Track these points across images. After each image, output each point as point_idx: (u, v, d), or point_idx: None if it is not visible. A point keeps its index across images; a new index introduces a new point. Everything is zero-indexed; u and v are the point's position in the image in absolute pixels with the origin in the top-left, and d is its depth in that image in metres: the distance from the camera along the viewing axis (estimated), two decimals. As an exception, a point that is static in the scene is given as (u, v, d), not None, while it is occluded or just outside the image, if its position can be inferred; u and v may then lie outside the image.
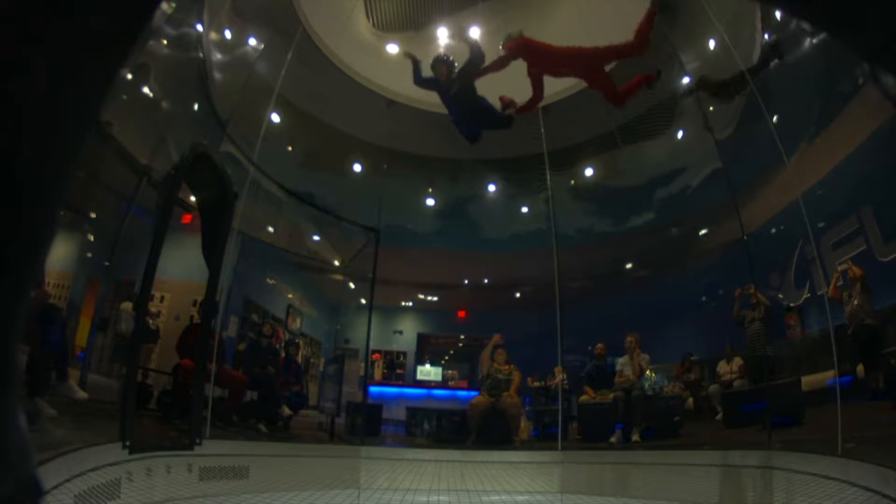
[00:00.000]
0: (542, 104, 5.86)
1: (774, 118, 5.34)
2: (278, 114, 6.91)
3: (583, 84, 6.11)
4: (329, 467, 5.41)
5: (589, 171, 8.70)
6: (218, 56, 6.14)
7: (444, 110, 4.94)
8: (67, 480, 2.71)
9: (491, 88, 4.80)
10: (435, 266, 9.78)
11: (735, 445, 5.02)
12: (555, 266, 7.11)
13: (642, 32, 4.44)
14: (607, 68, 4.84)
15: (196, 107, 5.77)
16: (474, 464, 5.71)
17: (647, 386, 6.38)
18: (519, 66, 4.70)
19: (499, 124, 4.84)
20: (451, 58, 4.76)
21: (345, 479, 5.36)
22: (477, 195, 9.19)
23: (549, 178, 7.85)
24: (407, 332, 10.41)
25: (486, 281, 10.22)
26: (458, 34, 6.72)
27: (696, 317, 8.20)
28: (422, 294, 10.61)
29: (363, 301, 8.58)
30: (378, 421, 7.48)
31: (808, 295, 5.82)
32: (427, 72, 4.82)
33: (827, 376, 4.75)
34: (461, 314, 10.39)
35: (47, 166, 0.42)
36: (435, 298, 10.66)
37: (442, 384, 9.53)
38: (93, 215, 4.63)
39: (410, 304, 10.59)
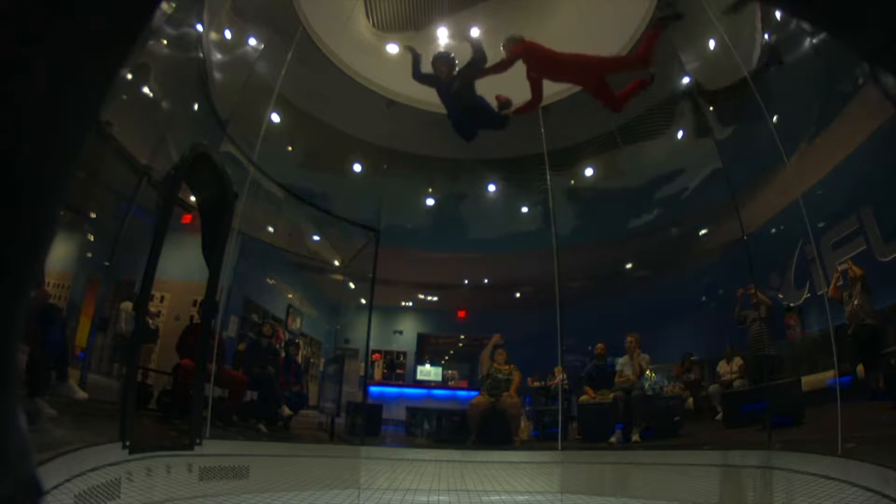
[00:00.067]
0: (544, 103, 5.87)
1: (774, 118, 5.34)
2: (278, 114, 6.91)
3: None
4: (329, 467, 5.41)
5: (589, 171, 8.70)
6: (218, 56, 6.14)
7: (444, 110, 4.93)
8: (67, 480, 2.71)
9: (489, 87, 4.79)
10: (435, 266, 9.79)
11: (735, 445, 5.02)
12: (555, 266, 7.11)
13: (647, 47, 4.43)
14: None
15: (196, 107, 5.77)
16: (474, 464, 5.71)
17: (647, 386, 6.38)
18: (518, 67, 4.69)
19: (495, 124, 4.82)
20: (452, 55, 4.75)
21: (345, 479, 5.36)
22: (477, 195, 9.19)
23: (549, 178, 7.85)
24: (407, 332, 10.42)
25: (486, 281, 10.22)
26: (459, 34, 6.73)
27: (696, 317, 8.21)
28: (422, 294, 10.62)
29: (363, 301, 8.58)
30: (378, 421, 7.48)
31: (808, 295, 5.82)
32: (427, 68, 4.80)
33: (827, 376, 4.75)
34: (461, 314, 10.39)
35: (47, 166, 0.42)
36: (435, 298, 10.66)
37: (442, 384, 9.54)
38: (93, 215, 4.63)
39: (410, 304, 10.60)
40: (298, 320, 8.54)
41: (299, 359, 7.41)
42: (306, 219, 8.10)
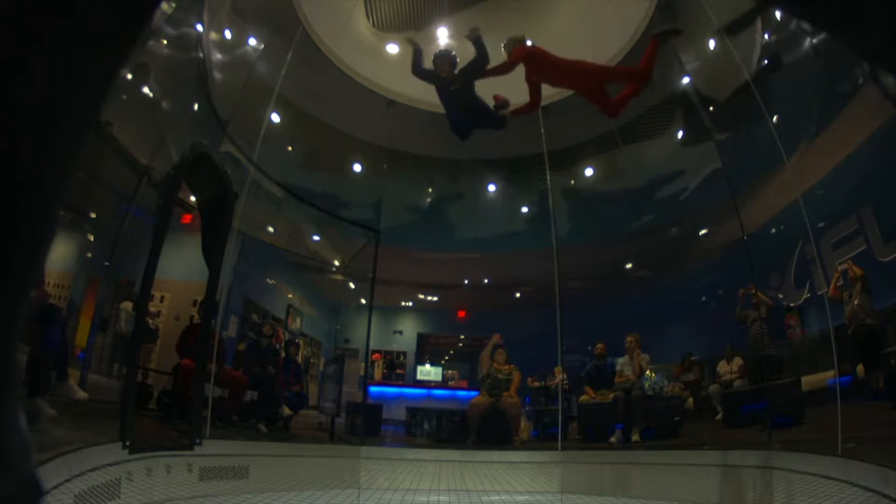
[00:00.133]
0: (543, 103, 5.87)
1: (774, 118, 5.34)
2: (278, 114, 6.91)
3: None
4: (329, 467, 5.40)
5: (589, 171, 8.70)
6: (218, 56, 6.14)
7: (443, 110, 4.93)
8: (67, 480, 2.70)
9: (488, 86, 4.79)
10: (435, 266, 9.79)
11: (735, 445, 5.01)
12: (555, 266, 7.11)
13: (648, 60, 4.44)
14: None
15: (196, 107, 5.77)
16: (474, 464, 5.71)
17: (647, 386, 6.38)
18: (518, 68, 4.69)
19: (493, 124, 4.82)
20: (454, 53, 4.74)
21: (345, 479, 5.36)
22: (477, 195, 9.19)
23: (549, 178, 7.85)
24: (407, 332, 10.42)
25: (486, 281, 10.23)
26: (459, 34, 6.72)
27: (696, 317, 8.21)
28: (422, 294, 10.62)
29: (363, 301, 8.58)
30: (378, 421, 7.49)
31: (808, 295, 5.82)
32: (428, 64, 4.79)
33: (827, 376, 4.75)
34: (461, 314, 10.40)
35: (47, 166, 0.42)
36: (435, 298, 10.67)
37: (442, 384, 9.54)
38: (93, 215, 4.63)
39: (410, 304, 10.60)
40: (298, 320, 8.54)
41: (299, 359, 7.41)
42: (306, 219, 8.10)
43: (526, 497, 5.29)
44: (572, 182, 8.73)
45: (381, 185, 8.42)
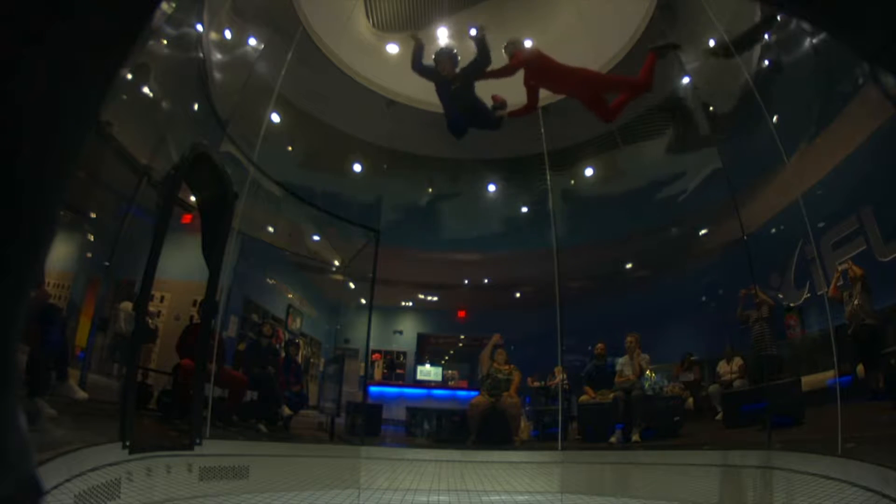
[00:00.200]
0: (542, 104, 5.87)
1: (774, 118, 5.34)
2: (278, 114, 6.91)
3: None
4: (329, 467, 5.41)
5: (589, 171, 8.70)
6: (218, 56, 6.14)
7: (443, 110, 4.92)
8: (67, 480, 2.71)
9: (485, 86, 4.79)
10: (435, 266, 9.79)
11: (735, 445, 5.01)
12: (555, 266, 7.11)
13: (648, 73, 4.46)
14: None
15: (196, 107, 5.77)
16: (474, 464, 5.71)
17: (647, 386, 6.38)
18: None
19: (488, 125, 4.82)
20: (455, 51, 4.73)
21: (345, 479, 5.36)
22: (477, 195, 9.19)
23: (549, 178, 7.85)
24: (407, 332, 10.42)
25: (486, 281, 10.22)
26: (459, 34, 6.72)
27: (696, 317, 8.21)
28: (422, 294, 10.62)
29: (363, 301, 8.58)
30: (378, 421, 7.48)
31: (808, 295, 5.82)
32: (428, 60, 4.78)
33: (827, 376, 4.75)
34: (461, 314, 10.40)
35: (47, 166, 0.42)
36: (435, 298, 10.67)
37: (442, 384, 9.53)
38: (93, 215, 4.63)
39: (410, 304, 10.60)
40: (298, 320, 8.54)
41: (299, 359, 7.41)
42: (306, 219, 8.10)
43: (526, 497, 5.29)
44: (572, 182, 8.73)
45: (381, 185, 8.41)
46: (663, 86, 6.62)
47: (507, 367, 6.81)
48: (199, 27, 5.45)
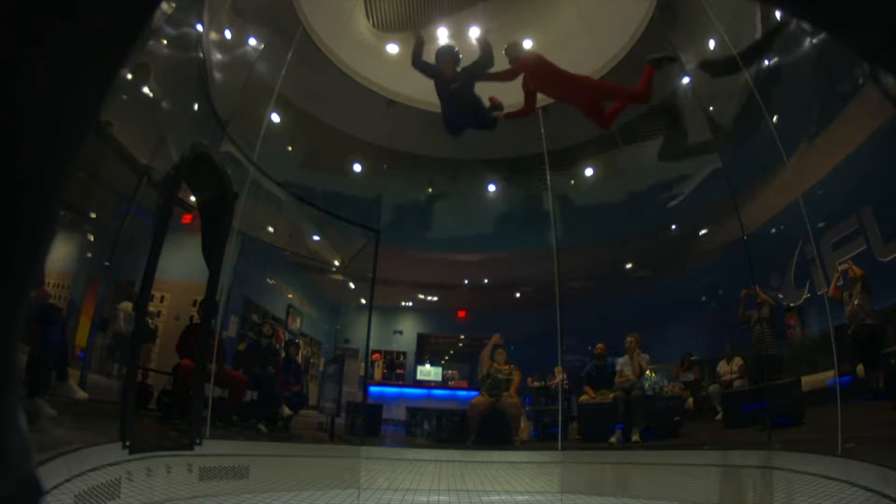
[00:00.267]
0: (542, 104, 5.88)
1: (774, 118, 5.34)
2: (278, 114, 6.91)
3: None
4: (329, 467, 5.41)
5: (589, 171, 8.70)
6: (218, 56, 6.14)
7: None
8: (67, 480, 2.71)
9: (482, 86, 4.79)
10: (435, 266, 9.79)
11: (735, 445, 5.02)
12: (555, 266, 7.11)
13: (647, 83, 4.48)
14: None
15: (196, 107, 5.77)
16: (474, 464, 5.71)
17: (647, 386, 6.38)
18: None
19: (485, 125, 4.84)
20: (456, 49, 4.73)
21: (345, 479, 5.36)
22: (477, 195, 9.19)
23: (549, 178, 7.85)
24: (407, 332, 10.42)
25: (486, 281, 10.22)
26: (461, 34, 6.72)
27: (696, 317, 8.20)
28: (422, 294, 10.62)
29: (363, 301, 8.58)
30: (378, 421, 7.48)
31: (808, 295, 5.82)
32: (428, 57, 4.77)
33: (827, 376, 4.75)
34: (461, 314, 10.39)
35: (47, 166, 0.42)
36: (435, 298, 10.66)
37: (442, 384, 9.53)
38: (93, 215, 4.63)
39: (410, 304, 10.60)
40: (298, 320, 8.53)
41: (299, 359, 7.41)
42: (306, 219, 8.10)
43: (526, 497, 5.29)
44: (572, 182, 8.73)
45: (381, 185, 8.41)
46: (663, 86, 6.62)
47: (507, 367, 6.81)
48: (199, 27, 5.45)
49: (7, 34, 0.38)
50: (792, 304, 6.16)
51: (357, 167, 8.51)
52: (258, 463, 4.81)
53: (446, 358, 10.27)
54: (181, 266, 5.77)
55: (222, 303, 5.74)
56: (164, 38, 4.75)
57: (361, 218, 7.79)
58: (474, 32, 6.42)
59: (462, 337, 10.36)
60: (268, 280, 8.30)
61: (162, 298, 6.25)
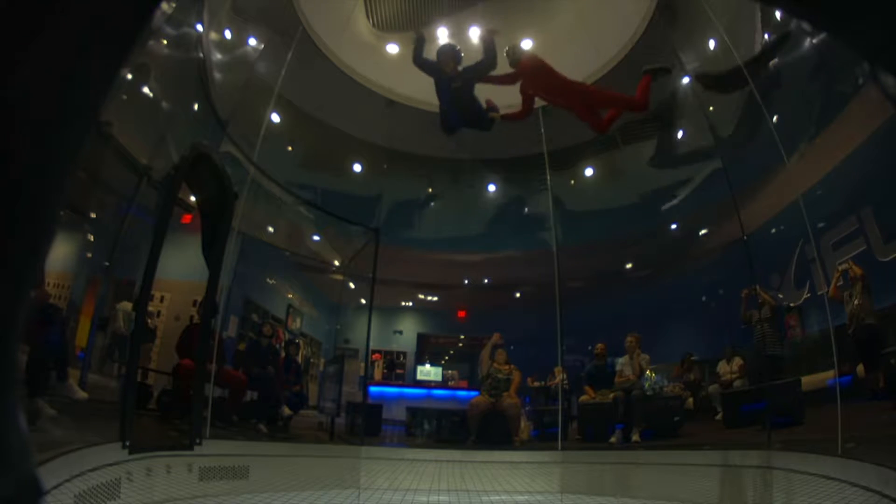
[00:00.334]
0: (542, 104, 5.88)
1: (774, 118, 5.34)
2: (278, 114, 6.91)
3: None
4: (329, 467, 5.41)
5: (589, 171, 8.70)
6: (218, 56, 6.14)
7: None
8: (67, 480, 2.71)
9: (480, 87, 4.79)
10: (435, 266, 9.78)
11: (735, 445, 5.02)
12: (555, 266, 7.11)
13: (644, 92, 4.50)
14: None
15: (196, 107, 5.77)
16: (474, 464, 5.71)
17: (647, 386, 6.38)
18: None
19: (481, 126, 4.85)
20: (458, 48, 4.72)
21: (345, 479, 5.36)
22: (477, 195, 9.19)
23: (549, 178, 7.85)
24: (407, 332, 10.41)
25: (486, 281, 10.22)
26: (461, 34, 6.73)
27: (696, 317, 8.20)
28: (422, 294, 10.61)
29: (363, 301, 8.58)
30: (378, 421, 7.48)
31: (808, 295, 5.82)
32: (428, 55, 4.77)
33: (827, 376, 4.75)
34: (461, 314, 10.39)
35: (47, 166, 0.42)
36: (435, 298, 10.66)
37: (442, 384, 9.53)
38: (93, 215, 4.62)
39: (410, 304, 10.59)
40: (298, 320, 8.53)
41: (299, 359, 7.41)
42: (306, 219, 8.10)
43: (526, 497, 5.29)
44: (572, 182, 8.73)
45: (381, 185, 8.42)
46: (664, 86, 6.62)
47: (507, 367, 6.80)
48: (199, 27, 5.45)
49: (6, 34, 0.38)
50: (792, 304, 6.16)
51: (357, 167, 8.51)
52: (258, 463, 4.81)
53: (446, 358, 10.27)
54: (181, 266, 5.77)
55: (222, 303, 5.75)
56: (164, 38, 4.75)
57: (361, 218, 7.79)
58: (475, 32, 6.43)
59: (462, 337, 10.36)
60: (268, 280, 8.30)
61: (162, 298, 6.25)
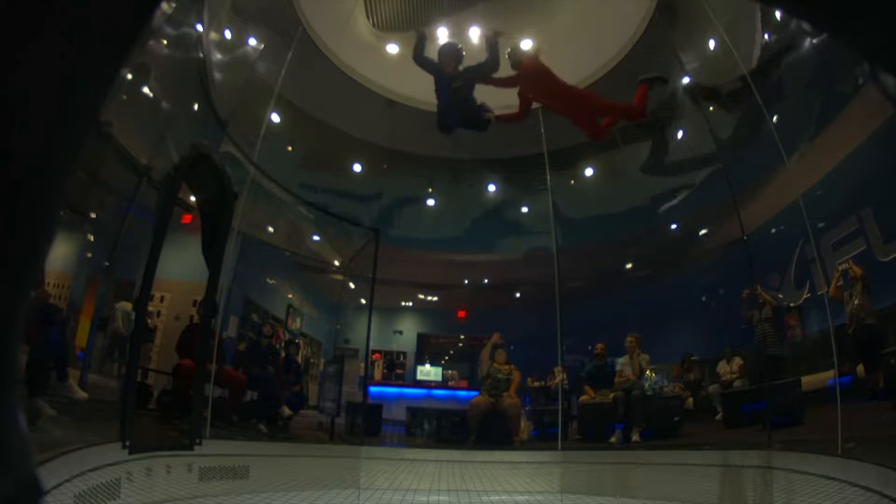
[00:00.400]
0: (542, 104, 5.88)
1: (774, 118, 5.34)
2: (278, 114, 6.91)
3: (582, 84, 6.13)
4: (329, 467, 5.41)
5: (589, 171, 8.70)
6: (218, 56, 6.14)
7: None
8: (67, 480, 2.71)
9: (479, 88, 4.79)
10: (435, 266, 9.78)
11: (735, 445, 5.02)
12: (555, 266, 7.11)
13: (641, 101, 4.52)
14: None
15: (196, 107, 5.77)
16: (474, 464, 5.71)
17: (647, 386, 6.38)
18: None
19: (478, 127, 4.85)
20: (460, 47, 4.72)
21: (345, 479, 5.36)
22: (477, 195, 9.18)
23: (549, 178, 7.85)
24: (407, 332, 10.41)
25: (486, 281, 10.22)
26: (461, 34, 6.72)
27: (696, 317, 8.20)
28: (422, 294, 10.61)
29: (363, 301, 8.58)
30: (378, 421, 7.48)
31: (808, 295, 5.82)
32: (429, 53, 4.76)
33: (827, 376, 4.75)
34: (461, 314, 10.39)
35: (47, 166, 0.42)
36: (435, 298, 10.66)
37: (442, 384, 9.53)
38: (93, 215, 4.62)
39: (410, 304, 10.59)
40: (298, 320, 8.53)
41: (299, 359, 7.41)
42: (306, 219, 8.10)
43: (526, 497, 5.29)
44: (572, 182, 8.73)
45: (381, 185, 8.42)
46: (663, 88, 6.62)
47: (506, 367, 6.80)
48: (199, 27, 5.45)
49: (6, 33, 0.38)
50: (792, 304, 6.16)
51: (357, 167, 8.51)
52: (258, 463, 4.81)
53: (446, 358, 10.27)
54: (181, 266, 5.77)
55: (222, 303, 5.75)
56: (164, 38, 4.75)
57: (361, 218, 7.78)
58: (475, 33, 6.43)
59: (462, 337, 10.36)
60: (268, 280, 8.30)
61: (162, 298, 6.25)
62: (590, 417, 6.62)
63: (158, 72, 4.73)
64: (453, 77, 4.57)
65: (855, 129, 4.75)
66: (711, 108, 6.88)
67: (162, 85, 4.85)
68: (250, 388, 5.99)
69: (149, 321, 5.53)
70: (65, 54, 0.41)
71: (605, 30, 6.96)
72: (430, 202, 9.17)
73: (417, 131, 7.55)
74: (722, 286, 7.57)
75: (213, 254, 4.99)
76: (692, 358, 7.19)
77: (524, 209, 9.21)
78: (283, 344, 7.20)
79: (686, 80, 6.85)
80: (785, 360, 6.01)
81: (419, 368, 9.79)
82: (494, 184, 9.11)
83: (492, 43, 4.58)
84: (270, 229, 7.84)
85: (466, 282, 10.15)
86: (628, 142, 7.91)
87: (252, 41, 6.61)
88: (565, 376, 7.07)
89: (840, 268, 4.86)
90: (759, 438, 4.96)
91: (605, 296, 9.04)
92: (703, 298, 8.17)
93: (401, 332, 10.38)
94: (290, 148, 7.80)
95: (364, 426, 6.71)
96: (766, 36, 5.69)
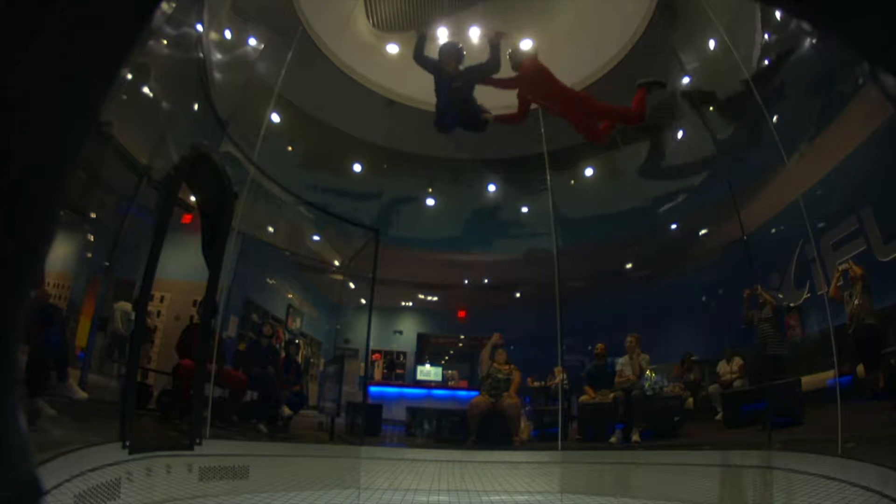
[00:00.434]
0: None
1: (774, 118, 5.34)
2: (278, 114, 6.91)
3: (582, 84, 6.14)
4: (329, 467, 5.41)
5: (589, 171, 8.70)
6: (218, 56, 6.14)
7: None
8: (67, 480, 2.71)
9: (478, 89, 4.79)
10: (435, 266, 9.79)
11: (735, 445, 5.02)
12: (555, 266, 7.11)
13: (640, 105, 4.53)
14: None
15: (196, 107, 5.77)
16: (474, 464, 5.71)
17: (647, 386, 6.37)
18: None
19: (476, 127, 4.86)
20: (461, 46, 4.72)
21: (345, 479, 5.36)
22: (477, 195, 9.19)
23: (549, 178, 7.85)
24: (407, 332, 10.41)
25: (486, 281, 10.22)
26: (461, 34, 6.72)
27: (696, 317, 8.20)
28: (422, 294, 10.61)
29: (363, 301, 8.58)
30: (378, 421, 7.48)
31: (808, 295, 5.82)
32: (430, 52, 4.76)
33: (827, 376, 4.75)
34: (461, 314, 10.39)
35: (47, 166, 0.42)
36: (435, 298, 10.66)
37: (442, 384, 9.53)
38: (93, 215, 4.62)
39: (410, 304, 10.59)
40: (298, 320, 8.53)
41: (299, 359, 7.41)
42: (306, 219, 8.10)
43: (526, 497, 5.29)
44: (572, 182, 8.73)
45: (381, 185, 8.42)
46: (662, 91, 6.61)
47: (506, 367, 6.80)
48: (199, 27, 5.45)
49: (6, 33, 0.38)
50: (792, 304, 6.16)
51: (357, 167, 8.51)
52: (258, 463, 4.81)
53: (446, 358, 10.27)
54: (181, 266, 5.76)
55: (222, 303, 5.75)
56: (164, 38, 4.75)
57: (361, 218, 7.78)
58: (475, 33, 6.43)
59: (462, 337, 10.36)
60: (268, 280, 8.30)
61: (162, 298, 6.25)
62: (590, 417, 6.62)
63: (158, 72, 4.73)
64: (454, 77, 4.57)
65: (855, 129, 4.75)
66: (711, 109, 6.88)
67: (162, 85, 4.85)
68: (250, 388, 5.99)
69: (149, 321, 5.53)
70: (65, 54, 0.41)
71: (605, 30, 6.96)
72: (430, 202, 9.17)
73: (417, 131, 7.54)
74: (722, 286, 7.57)
75: (213, 254, 4.99)
76: (692, 358, 7.19)
77: (524, 209, 9.20)
78: (283, 344, 7.20)
79: (686, 80, 6.85)
80: (785, 360, 6.00)
81: (419, 368, 9.79)
82: (494, 184, 9.11)
83: (494, 44, 4.58)
84: (270, 229, 7.84)
85: (466, 282, 10.15)
86: (628, 142, 7.91)
87: (252, 41, 6.61)
88: (565, 376, 7.07)
89: (840, 268, 4.86)
90: (759, 438, 4.96)
91: (605, 296, 9.04)
92: (703, 298, 8.17)
93: (401, 332, 10.38)
94: (290, 148, 7.80)
95: (364, 426, 6.70)
96: (766, 36, 5.69)
